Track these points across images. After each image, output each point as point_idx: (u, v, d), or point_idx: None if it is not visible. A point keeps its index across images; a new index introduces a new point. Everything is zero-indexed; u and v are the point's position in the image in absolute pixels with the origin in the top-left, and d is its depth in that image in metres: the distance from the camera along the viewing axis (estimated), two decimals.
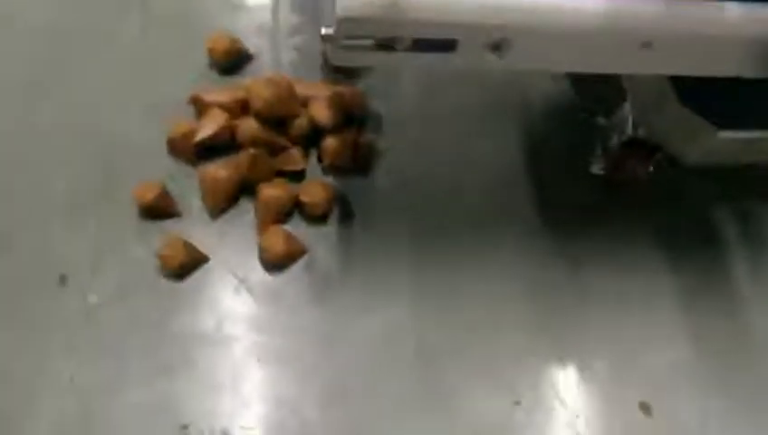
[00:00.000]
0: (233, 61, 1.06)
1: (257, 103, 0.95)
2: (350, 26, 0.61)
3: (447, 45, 0.64)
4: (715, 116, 0.85)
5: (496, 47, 0.65)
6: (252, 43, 1.09)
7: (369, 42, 0.63)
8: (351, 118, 1.01)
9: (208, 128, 0.95)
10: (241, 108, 0.97)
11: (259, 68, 1.07)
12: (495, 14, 0.62)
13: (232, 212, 0.96)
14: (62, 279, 0.89)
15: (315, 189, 0.94)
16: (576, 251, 0.96)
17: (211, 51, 1.05)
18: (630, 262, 0.97)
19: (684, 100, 0.84)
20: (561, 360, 0.89)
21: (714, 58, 0.69)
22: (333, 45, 0.63)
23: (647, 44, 0.66)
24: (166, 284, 0.90)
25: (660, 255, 0.98)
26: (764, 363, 0.91)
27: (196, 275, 0.91)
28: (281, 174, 0.97)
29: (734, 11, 0.64)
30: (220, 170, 0.94)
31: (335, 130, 0.98)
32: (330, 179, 0.98)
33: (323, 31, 0.63)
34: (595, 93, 0.98)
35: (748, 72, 0.72)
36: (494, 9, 0.62)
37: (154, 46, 1.09)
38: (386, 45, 0.63)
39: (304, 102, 0.99)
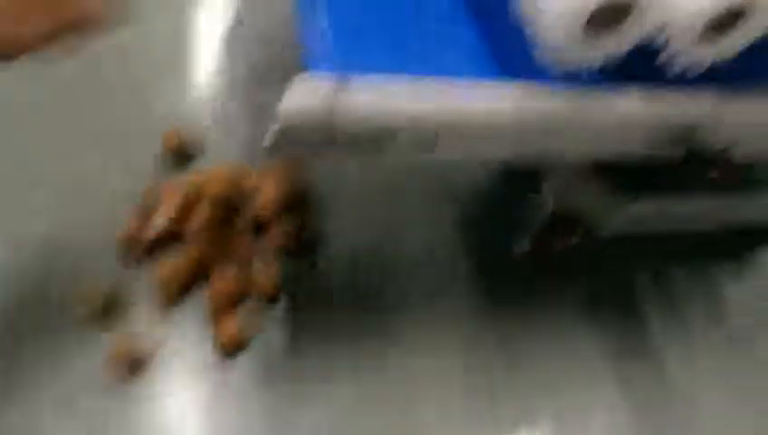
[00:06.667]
0: (183, 155, 1.11)
1: (210, 192, 1.00)
2: (289, 132, 0.67)
3: (379, 147, 0.72)
4: (626, 188, 0.95)
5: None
6: (201, 133, 1.12)
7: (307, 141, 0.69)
8: (297, 203, 1.07)
9: (160, 223, 0.98)
10: (191, 201, 1.02)
11: (209, 159, 1.11)
12: (423, 119, 0.70)
13: (183, 302, 0.98)
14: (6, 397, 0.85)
15: (264, 273, 0.99)
16: (506, 325, 1.03)
17: (163, 146, 1.09)
18: (558, 330, 1.04)
19: (595, 174, 0.93)
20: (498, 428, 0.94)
21: (611, 142, 0.79)
22: (277, 141, 0.69)
23: (549, 132, 0.75)
24: (118, 386, 0.89)
25: (585, 320, 1.05)
26: (692, 416, 0.99)
27: (151, 371, 0.91)
28: (231, 260, 1.01)
29: (634, 98, 0.74)
30: (171, 264, 0.97)
31: (282, 215, 1.03)
32: (277, 263, 1.02)
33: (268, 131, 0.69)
34: (520, 174, 1.06)
35: (647, 152, 0.81)
36: (422, 114, 0.70)
37: (100, 133, 1.09)
38: (326, 143, 0.70)
39: (253, 190, 1.04)
